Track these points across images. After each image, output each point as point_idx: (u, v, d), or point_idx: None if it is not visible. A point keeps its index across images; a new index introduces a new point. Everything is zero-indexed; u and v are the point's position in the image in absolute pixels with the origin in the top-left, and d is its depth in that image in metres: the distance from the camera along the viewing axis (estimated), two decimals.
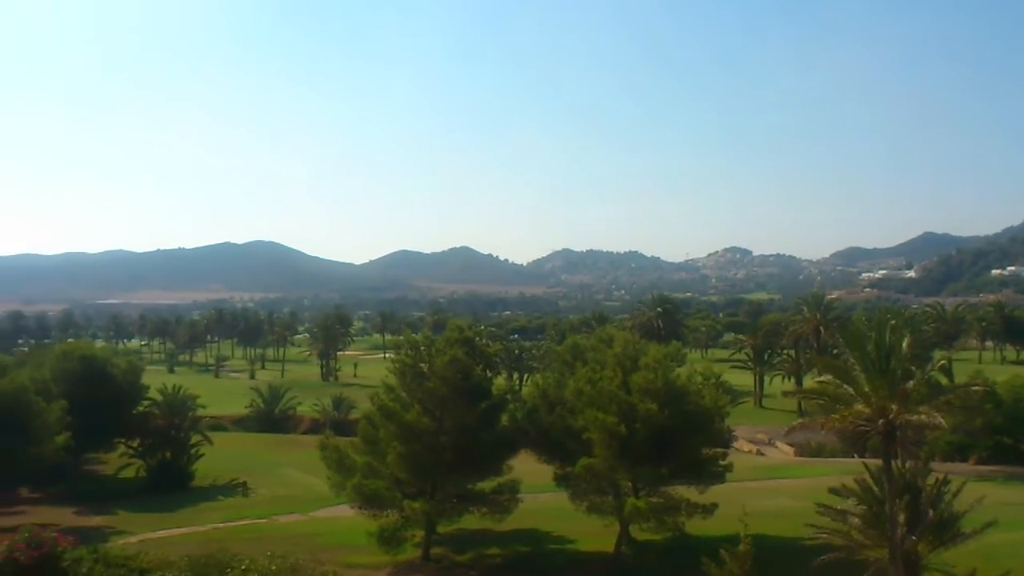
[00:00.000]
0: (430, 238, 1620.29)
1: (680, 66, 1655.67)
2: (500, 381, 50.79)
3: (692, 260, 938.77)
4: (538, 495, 49.08)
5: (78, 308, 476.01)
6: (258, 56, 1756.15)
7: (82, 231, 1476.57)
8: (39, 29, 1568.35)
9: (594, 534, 43.62)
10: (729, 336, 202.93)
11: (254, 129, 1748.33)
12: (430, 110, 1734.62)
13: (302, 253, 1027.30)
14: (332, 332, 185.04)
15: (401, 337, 48.85)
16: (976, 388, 49.57)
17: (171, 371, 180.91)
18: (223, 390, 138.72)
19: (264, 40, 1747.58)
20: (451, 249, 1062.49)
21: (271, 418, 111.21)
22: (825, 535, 30.68)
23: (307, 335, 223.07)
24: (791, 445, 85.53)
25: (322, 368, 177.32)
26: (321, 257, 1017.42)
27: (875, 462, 31.28)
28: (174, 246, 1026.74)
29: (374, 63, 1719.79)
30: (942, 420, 28.15)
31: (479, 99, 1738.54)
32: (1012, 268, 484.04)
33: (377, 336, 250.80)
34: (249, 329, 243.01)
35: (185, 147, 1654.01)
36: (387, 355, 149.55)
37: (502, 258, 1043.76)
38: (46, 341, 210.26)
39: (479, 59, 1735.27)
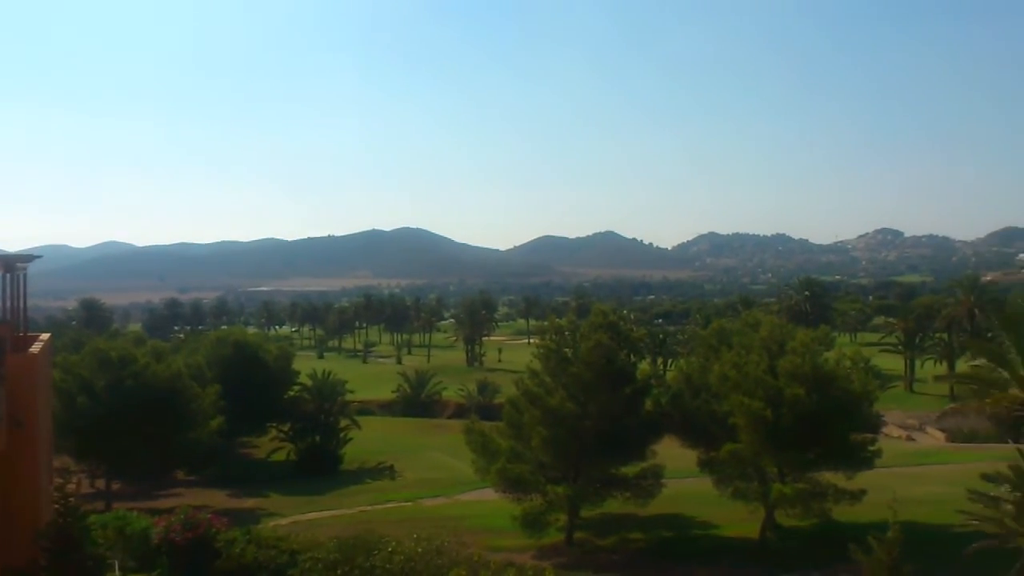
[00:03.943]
0: (574, 223, 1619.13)
1: (821, 49, 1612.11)
2: (644, 366, 50.83)
3: (841, 242, 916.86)
4: (682, 480, 48.90)
5: (231, 295, 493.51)
6: (403, 47, 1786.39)
7: (235, 221, 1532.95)
8: (201, 28, 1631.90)
9: (739, 520, 43.35)
10: (879, 319, 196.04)
11: (401, 118, 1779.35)
12: (573, 96, 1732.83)
13: (448, 239, 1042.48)
14: (477, 317, 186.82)
15: (545, 322, 49.11)
16: None
17: (320, 356, 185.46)
18: (371, 375, 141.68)
19: (410, 32, 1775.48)
20: (595, 234, 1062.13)
21: (417, 402, 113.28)
22: (977, 522, 29.70)
23: (452, 321, 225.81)
24: (942, 431, 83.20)
25: (467, 353, 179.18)
26: (466, 243, 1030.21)
27: None
28: (323, 234, 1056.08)
29: (516, 54, 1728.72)
30: None
31: (622, 86, 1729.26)
32: None
33: (522, 321, 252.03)
34: (396, 315, 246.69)
35: (334, 138, 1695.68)
36: (531, 340, 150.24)
37: (646, 242, 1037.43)
38: (201, 327, 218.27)
39: (620, 49, 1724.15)
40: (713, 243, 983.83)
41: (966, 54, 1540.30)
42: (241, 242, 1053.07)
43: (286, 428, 75.32)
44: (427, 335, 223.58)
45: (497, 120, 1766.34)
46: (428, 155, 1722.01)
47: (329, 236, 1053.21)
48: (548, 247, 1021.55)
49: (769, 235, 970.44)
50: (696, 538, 43.97)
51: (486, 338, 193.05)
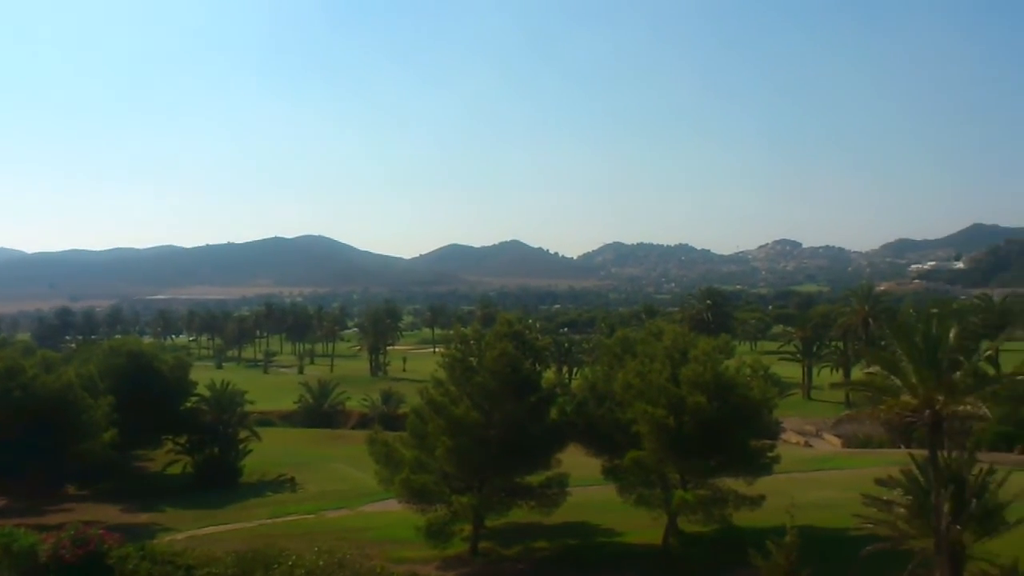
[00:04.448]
0: (480, 232, 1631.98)
1: (724, 61, 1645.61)
2: (549, 374, 51.08)
3: (742, 252, 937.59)
4: (586, 488, 49.21)
5: (126, 304, 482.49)
6: (303, 50, 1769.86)
7: (131, 227, 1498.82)
8: (102, 29, 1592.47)
9: (642, 527, 43.70)
10: (778, 328, 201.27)
11: (304, 124, 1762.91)
12: (479, 105, 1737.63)
13: (352, 247, 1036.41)
14: (382, 326, 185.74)
15: (451, 331, 48.99)
16: (1022, 378, 48.77)
17: (219, 367, 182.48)
18: (272, 385, 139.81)
19: (315, 40, 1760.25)
20: (501, 243, 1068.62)
21: (320, 413, 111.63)
22: (871, 525, 30.52)
23: (356, 330, 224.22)
24: (838, 436, 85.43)
25: (371, 363, 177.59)
26: (371, 251, 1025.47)
27: (921, 453, 31.09)
28: (223, 241, 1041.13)
29: (421, 61, 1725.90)
30: (987, 411, 28.15)
31: (529, 95, 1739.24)
32: None
33: (427, 330, 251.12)
34: (298, 324, 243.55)
35: (235, 143, 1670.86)
36: (436, 349, 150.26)
37: (552, 251, 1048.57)
38: (93, 337, 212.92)
39: (527, 58, 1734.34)
40: (618, 253, 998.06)
41: (863, 69, 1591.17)
42: (137, 249, 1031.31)
43: (183, 440, 72.77)
44: (330, 344, 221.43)
45: (401, 127, 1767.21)
46: (331, 161, 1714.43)
47: (229, 243, 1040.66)
48: (453, 256, 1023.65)
49: (673, 245, 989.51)
50: (601, 545, 44.22)
51: (391, 347, 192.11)
